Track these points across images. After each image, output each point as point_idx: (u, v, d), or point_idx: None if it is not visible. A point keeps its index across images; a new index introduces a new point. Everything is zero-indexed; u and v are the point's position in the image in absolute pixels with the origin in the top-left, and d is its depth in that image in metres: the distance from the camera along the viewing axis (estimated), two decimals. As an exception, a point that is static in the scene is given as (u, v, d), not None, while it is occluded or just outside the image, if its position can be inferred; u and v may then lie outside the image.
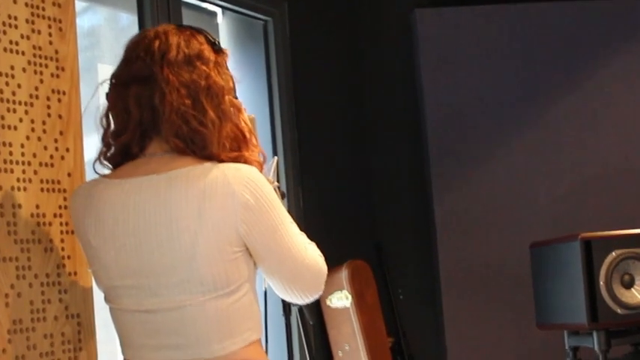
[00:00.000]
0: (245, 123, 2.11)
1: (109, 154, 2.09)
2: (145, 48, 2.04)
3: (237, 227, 1.96)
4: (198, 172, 1.97)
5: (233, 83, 2.12)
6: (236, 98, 2.12)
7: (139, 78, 2.03)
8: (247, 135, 2.08)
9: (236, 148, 2.05)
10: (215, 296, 1.97)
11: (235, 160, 2.02)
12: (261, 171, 2.07)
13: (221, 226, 1.95)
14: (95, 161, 2.11)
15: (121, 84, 2.05)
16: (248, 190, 1.96)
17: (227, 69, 2.12)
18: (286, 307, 3.17)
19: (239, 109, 2.08)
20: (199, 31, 2.11)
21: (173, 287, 1.97)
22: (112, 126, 2.08)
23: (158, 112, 2.01)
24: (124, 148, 2.07)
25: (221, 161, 2.00)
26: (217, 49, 2.10)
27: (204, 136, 2.00)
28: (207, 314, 1.97)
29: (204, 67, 2.03)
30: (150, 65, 2.02)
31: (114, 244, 2.01)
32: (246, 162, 2.04)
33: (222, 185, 1.95)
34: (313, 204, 4.55)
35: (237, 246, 1.98)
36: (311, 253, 2.08)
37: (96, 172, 2.11)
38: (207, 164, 1.99)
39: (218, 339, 1.98)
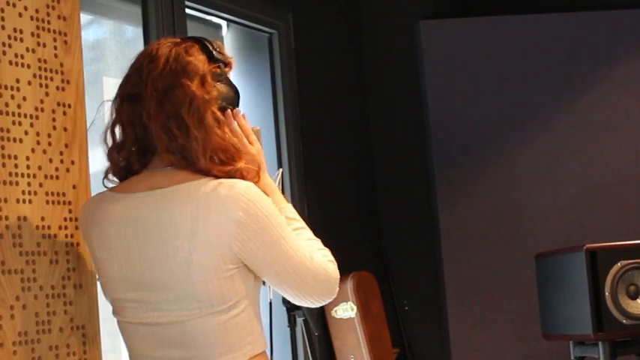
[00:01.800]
0: (235, 134, 2.09)
1: (114, 169, 2.11)
2: (137, 65, 2.08)
3: (230, 245, 1.95)
4: (193, 189, 1.97)
5: (234, 93, 2.11)
6: (234, 108, 2.11)
7: (130, 96, 2.05)
8: (237, 146, 2.06)
9: (229, 161, 2.03)
10: (212, 312, 1.97)
11: (230, 173, 2.01)
12: (258, 179, 2.07)
13: (214, 245, 1.94)
14: (103, 177, 2.13)
15: (119, 101, 2.08)
16: (241, 207, 1.94)
17: (220, 78, 2.08)
18: (291, 318, 3.17)
19: (221, 122, 2.05)
20: (198, 40, 2.11)
21: (171, 302, 1.98)
22: (115, 141, 2.09)
23: (149, 129, 2.02)
24: (126, 163, 2.09)
25: (215, 176, 2.00)
26: (215, 59, 2.08)
27: (190, 152, 1.99)
28: (205, 330, 1.97)
29: (187, 82, 2.01)
30: (138, 83, 2.04)
31: (116, 257, 2.03)
32: (242, 174, 2.03)
33: (215, 203, 1.94)
34: (318, 215, 4.55)
35: (232, 263, 1.97)
36: (318, 261, 2.06)
37: (105, 187, 2.14)
38: (203, 180, 1.98)
39: (218, 353, 1.98)
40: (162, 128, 2.00)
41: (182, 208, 1.96)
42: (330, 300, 2.14)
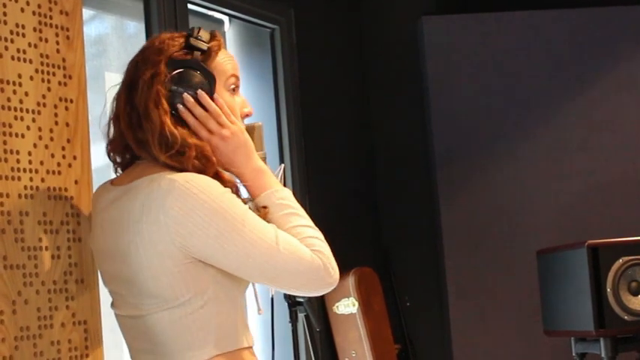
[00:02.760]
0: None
1: (113, 163, 2.13)
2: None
3: (173, 241, 1.90)
4: (143, 184, 1.95)
5: (202, 78, 2.02)
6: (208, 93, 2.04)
7: (118, 93, 2.08)
8: (184, 135, 1.98)
9: (177, 150, 1.96)
10: (167, 308, 1.94)
11: (182, 164, 1.95)
12: (212, 163, 1.98)
13: (156, 241, 1.91)
14: (114, 170, 2.15)
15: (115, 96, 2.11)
16: (178, 202, 1.88)
17: (185, 64, 2.02)
18: (293, 313, 3.17)
19: (167, 110, 1.98)
20: (187, 31, 2.08)
21: (135, 296, 1.98)
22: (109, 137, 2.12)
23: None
24: (119, 158, 2.10)
25: (172, 168, 1.96)
26: (189, 46, 2.04)
27: (147, 144, 1.97)
28: (163, 325, 1.95)
29: (144, 72, 1.99)
30: (123, 80, 2.08)
31: (98, 249, 2.09)
32: (194, 163, 1.96)
33: (155, 198, 1.91)
34: (320, 211, 4.53)
35: (179, 259, 1.92)
36: (286, 249, 1.93)
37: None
38: (157, 174, 1.94)
39: (177, 350, 1.96)
40: (126, 123, 2.01)
41: (133, 204, 1.95)
42: (324, 290, 2.00)
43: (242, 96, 2.15)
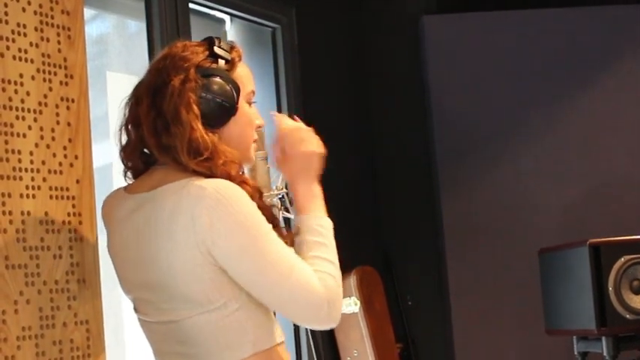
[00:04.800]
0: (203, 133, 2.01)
1: (125, 169, 2.12)
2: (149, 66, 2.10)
3: (199, 248, 1.90)
4: (173, 190, 1.94)
5: (229, 89, 2.04)
6: (229, 103, 2.05)
7: (136, 97, 2.08)
8: (215, 142, 2.00)
9: (208, 157, 1.97)
10: (202, 312, 1.94)
11: (211, 170, 1.96)
12: (241, 171, 2.02)
13: (186, 247, 1.91)
14: (124, 176, 2.13)
15: (129, 101, 2.10)
16: (207, 210, 1.89)
17: (213, 72, 2.04)
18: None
19: (198, 116, 1.99)
20: (209, 38, 2.10)
21: (167, 302, 1.98)
22: (122, 142, 2.11)
23: (143, 129, 2.04)
24: (133, 164, 2.10)
25: (200, 174, 1.96)
26: (214, 54, 2.06)
27: (173, 150, 1.97)
28: (200, 328, 1.95)
29: (173, 78, 2.00)
30: (140, 84, 2.08)
31: (120, 258, 2.06)
32: (224, 170, 1.97)
33: (185, 204, 1.91)
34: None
35: (210, 265, 1.92)
36: (299, 277, 1.94)
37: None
38: (185, 180, 1.94)
39: (215, 351, 1.96)
40: (150, 129, 2.00)
41: (161, 211, 1.94)
42: (322, 327, 2.01)
43: (255, 108, 2.17)
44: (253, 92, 2.15)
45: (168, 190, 1.96)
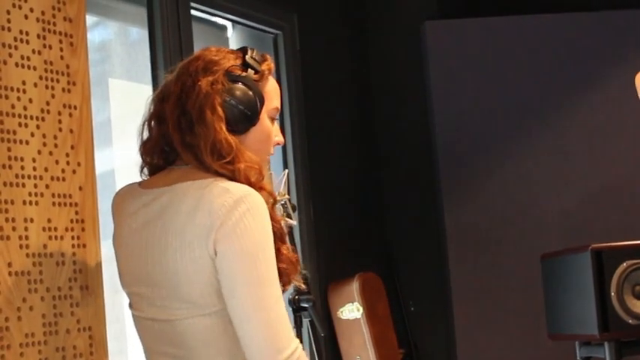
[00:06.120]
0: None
1: (143, 164, 2.13)
2: (179, 66, 2.12)
3: (208, 249, 1.90)
4: (194, 188, 1.95)
5: (253, 97, 2.06)
6: (251, 111, 2.07)
7: (162, 93, 2.10)
8: (238, 145, 2.02)
9: (230, 159, 1.99)
10: (199, 315, 1.94)
11: (233, 173, 1.98)
12: (261, 177, 2.02)
13: (195, 246, 1.91)
14: (140, 172, 2.14)
15: (155, 97, 2.12)
16: (224, 212, 1.89)
17: (241, 79, 2.07)
18: (297, 319, 3.17)
19: (222, 119, 2.01)
20: (241, 48, 2.13)
21: (164, 299, 1.98)
22: (144, 137, 2.12)
23: (168, 126, 2.05)
24: (152, 159, 2.11)
25: (222, 175, 1.97)
26: (245, 64, 2.09)
27: (196, 149, 1.99)
28: (194, 332, 1.95)
29: (201, 79, 2.02)
30: (170, 82, 2.09)
31: (127, 251, 2.05)
32: (244, 174, 1.98)
33: (204, 203, 1.91)
34: (324, 217, 4.55)
35: (212, 268, 1.91)
36: (277, 314, 1.90)
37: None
38: (208, 180, 1.96)
39: (207, 356, 1.96)
40: (175, 125, 2.02)
41: (181, 203, 1.95)
42: None
43: (277, 125, 2.19)
44: (277, 109, 2.17)
45: (191, 186, 1.96)
